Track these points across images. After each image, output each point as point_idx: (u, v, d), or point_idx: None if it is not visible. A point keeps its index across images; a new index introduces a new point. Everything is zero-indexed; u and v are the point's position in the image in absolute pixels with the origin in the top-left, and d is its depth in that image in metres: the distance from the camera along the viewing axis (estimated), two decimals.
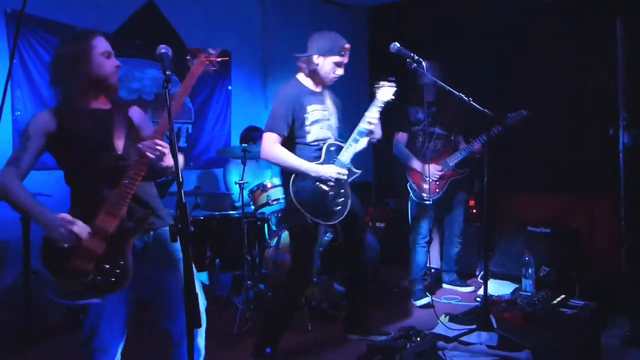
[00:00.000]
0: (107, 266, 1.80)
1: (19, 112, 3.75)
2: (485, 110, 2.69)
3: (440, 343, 2.33)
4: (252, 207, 4.05)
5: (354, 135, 2.93)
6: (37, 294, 3.37)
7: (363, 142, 3.00)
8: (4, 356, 3.08)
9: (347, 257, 3.27)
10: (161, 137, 1.85)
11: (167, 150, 1.84)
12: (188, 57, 2.03)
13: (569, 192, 4.57)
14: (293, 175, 2.84)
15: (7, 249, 3.59)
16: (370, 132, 2.98)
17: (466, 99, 2.75)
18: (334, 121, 3.03)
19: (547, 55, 4.64)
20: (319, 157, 2.90)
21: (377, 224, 5.36)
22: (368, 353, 2.50)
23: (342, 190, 2.93)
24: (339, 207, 2.90)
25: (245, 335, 3.35)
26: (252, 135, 4.58)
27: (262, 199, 3.92)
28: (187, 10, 4.77)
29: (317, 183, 2.85)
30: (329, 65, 2.90)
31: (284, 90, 2.93)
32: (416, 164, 3.94)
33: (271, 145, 2.83)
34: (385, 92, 2.99)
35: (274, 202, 3.90)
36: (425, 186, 3.91)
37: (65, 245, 1.78)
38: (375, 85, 3.03)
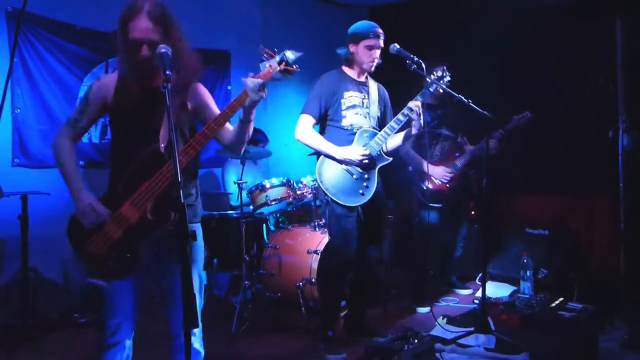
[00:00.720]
0: (118, 254, 1.84)
1: (19, 110, 3.75)
2: (485, 112, 2.69)
3: (438, 345, 2.33)
4: (251, 207, 4.04)
5: (391, 123, 2.97)
6: (35, 291, 3.38)
7: (399, 136, 3.05)
8: (2, 353, 3.08)
9: (362, 244, 3.18)
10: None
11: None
12: (263, 59, 2.05)
13: (568, 194, 4.55)
14: (321, 157, 3.01)
15: (5, 246, 3.59)
16: (410, 121, 2.94)
17: (466, 100, 2.75)
18: (374, 110, 3.11)
19: (547, 55, 4.63)
20: (351, 142, 3.00)
21: None
22: (366, 354, 2.51)
23: (367, 176, 2.99)
24: (362, 191, 2.97)
25: (243, 335, 3.35)
26: (253, 137, 4.57)
27: (261, 199, 3.91)
28: (187, 10, 4.74)
29: (342, 165, 2.96)
30: (362, 51, 3.01)
31: (323, 77, 3.09)
32: (426, 167, 3.82)
33: (304, 127, 3.00)
34: (432, 81, 2.97)
35: (273, 203, 3.89)
36: (433, 188, 3.86)
37: (87, 226, 1.84)
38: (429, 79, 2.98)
